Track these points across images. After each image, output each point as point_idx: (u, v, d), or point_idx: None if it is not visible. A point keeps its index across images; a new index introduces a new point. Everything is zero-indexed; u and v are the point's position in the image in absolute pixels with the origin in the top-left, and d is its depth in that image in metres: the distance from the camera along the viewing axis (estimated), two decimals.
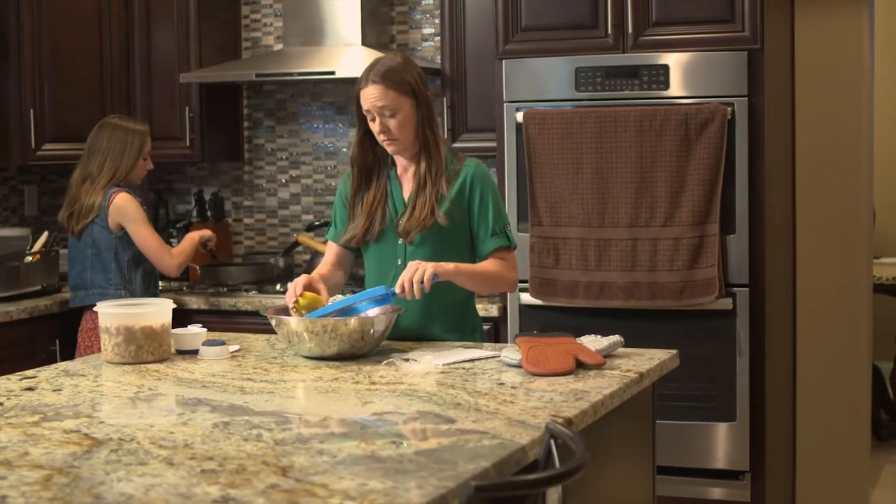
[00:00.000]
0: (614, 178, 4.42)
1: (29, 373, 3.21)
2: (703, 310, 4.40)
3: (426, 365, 3.14)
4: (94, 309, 4.59)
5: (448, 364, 3.20)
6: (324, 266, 3.74)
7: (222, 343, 3.40)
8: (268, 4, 5.69)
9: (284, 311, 3.47)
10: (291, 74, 5.12)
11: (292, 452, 2.30)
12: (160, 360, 3.32)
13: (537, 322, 4.58)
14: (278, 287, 5.19)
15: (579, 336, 3.35)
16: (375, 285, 3.57)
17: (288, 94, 5.69)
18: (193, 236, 4.87)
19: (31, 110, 5.43)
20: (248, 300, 5.02)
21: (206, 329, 3.52)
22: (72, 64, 5.50)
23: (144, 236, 4.68)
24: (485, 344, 3.60)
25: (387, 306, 3.42)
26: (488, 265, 3.57)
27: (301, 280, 3.49)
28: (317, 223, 5.52)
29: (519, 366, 3.14)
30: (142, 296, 4.68)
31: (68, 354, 4.90)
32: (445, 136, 4.84)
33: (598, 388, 2.91)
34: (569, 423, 2.58)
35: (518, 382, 2.98)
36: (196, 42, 5.42)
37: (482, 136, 4.94)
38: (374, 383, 2.98)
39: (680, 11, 4.42)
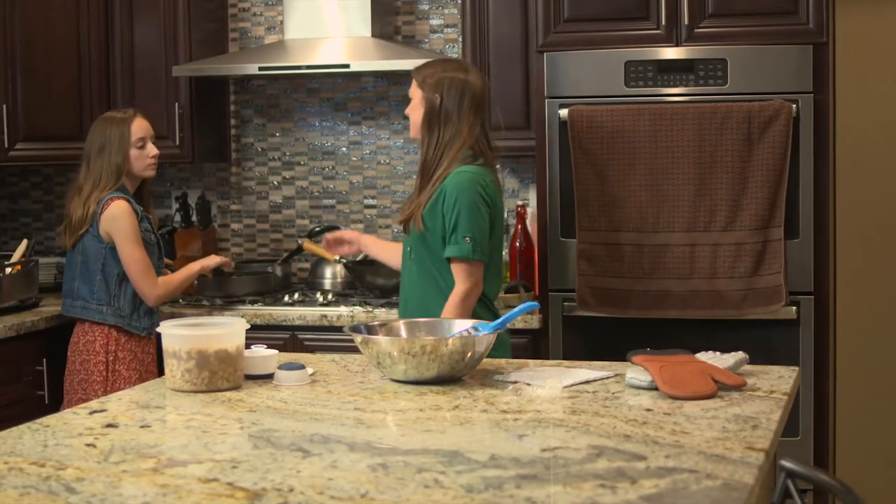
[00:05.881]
0: (671, 179, 4.13)
1: (92, 405, 2.80)
2: (764, 319, 4.14)
3: (551, 390, 2.82)
4: (86, 322, 4.21)
5: (566, 387, 2.89)
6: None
7: (301, 367, 3.02)
8: None
9: (365, 328, 3.13)
10: (299, 67, 4.73)
11: (497, 502, 1.96)
12: (234, 388, 2.93)
13: (583, 335, 4.28)
14: (286, 298, 4.79)
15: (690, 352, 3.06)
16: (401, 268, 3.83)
17: (280, 90, 5.29)
18: (193, 267, 4.35)
19: (3, 107, 4.95)
20: (257, 313, 4.60)
21: (276, 350, 3.14)
22: (47, 58, 5.02)
23: (129, 255, 4.15)
24: (578, 362, 3.29)
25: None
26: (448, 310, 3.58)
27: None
28: (317, 229, 5.13)
29: (652, 388, 2.84)
30: (129, 317, 4.20)
31: (56, 375, 4.45)
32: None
33: (762, 412, 2.63)
34: (766, 454, 2.30)
35: (667, 407, 2.67)
36: (185, 33, 4.98)
37: (509, 135, 4.60)
38: (504, 412, 2.65)
39: (739, 2, 4.16)
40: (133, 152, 4.21)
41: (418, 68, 3.77)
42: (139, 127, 4.25)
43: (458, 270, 3.59)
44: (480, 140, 3.69)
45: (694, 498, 1.99)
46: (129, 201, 4.19)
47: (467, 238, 3.56)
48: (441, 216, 3.59)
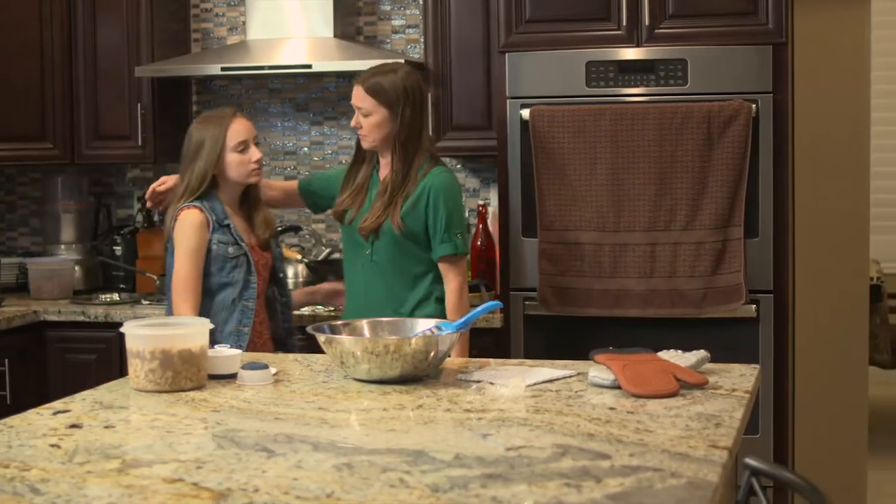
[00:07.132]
0: (631, 179, 4.16)
1: (56, 405, 2.79)
2: (724, 317, 4.18)
3: (514, 389, 2.85)
4: None
5: (529, 386, 2.91)
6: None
7: (264, 366, 3.03)
8: None
9: (328, 328, 3.14)
10: (262, 68, 4.73)
11: (462, 502, 1.98)
12: (198, 388, 2.93)
13: (546, 334, 4.30)
14: None
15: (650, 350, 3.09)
16: (350, 268, 3.89)
17: (242, 90, 5.28)
18: None
19: None
20: None
21: (240, 350, 3.14)
22: (9, 58, 5.00)
23: (177, 265, 3.69)
24: (540, 361, 3.31)
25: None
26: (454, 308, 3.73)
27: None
28: (280, 228, 5.12)
29: (614, 387, 2.86)
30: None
31: (19, 375, 4.43)
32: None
33: (724, 410, 2.66)
34: (729, 452, 2.32)
35: (630, 406, 2.70)
36: (148, 34, 4.97)
37: (469, 135, 4.65)
38: (468, 411, 2.66)
39: (699, 3, 4.19)
40: (232, 157, 3.72)
41: (372, 82, 3.70)
42: (239, 129, 3.76)
43: (450, 267, 3.74)
44: (430, 141, 3.83)
45: (659, 496, 2.01)
46: (203, 211, 3.71)
47: (459, 234, 3.73)
48: (424, 216, 3.71)
